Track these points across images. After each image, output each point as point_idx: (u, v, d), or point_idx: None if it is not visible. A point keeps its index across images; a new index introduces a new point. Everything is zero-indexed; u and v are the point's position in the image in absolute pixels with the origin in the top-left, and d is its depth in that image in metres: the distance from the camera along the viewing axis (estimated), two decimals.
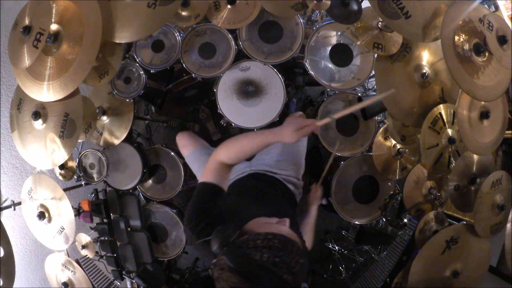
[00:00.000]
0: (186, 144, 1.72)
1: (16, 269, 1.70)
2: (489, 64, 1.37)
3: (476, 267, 1.70)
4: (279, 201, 1.30)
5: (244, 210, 1.01)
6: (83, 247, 1.89)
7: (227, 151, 1.09)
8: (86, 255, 1.93)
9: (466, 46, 1.35)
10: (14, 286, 1.69)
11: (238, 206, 1.07)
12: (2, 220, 1.69)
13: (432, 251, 1.59)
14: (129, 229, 1.90)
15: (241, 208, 1.04)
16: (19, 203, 1.77)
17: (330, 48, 1.75)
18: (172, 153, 1.93)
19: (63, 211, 1.68)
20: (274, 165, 1.49)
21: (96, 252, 1.96)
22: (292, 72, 2.01)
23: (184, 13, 1.67)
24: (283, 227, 0.85)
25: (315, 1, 1.53)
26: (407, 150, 1.73)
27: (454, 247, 1.60)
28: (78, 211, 1.85)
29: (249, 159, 1.62)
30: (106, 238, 1.92)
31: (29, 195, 1.74)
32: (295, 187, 1.48)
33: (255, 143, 1.08)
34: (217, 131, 2.32)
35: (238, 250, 0.75)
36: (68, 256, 1.89)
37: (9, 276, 1.67)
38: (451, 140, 1.55)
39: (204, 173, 1.09)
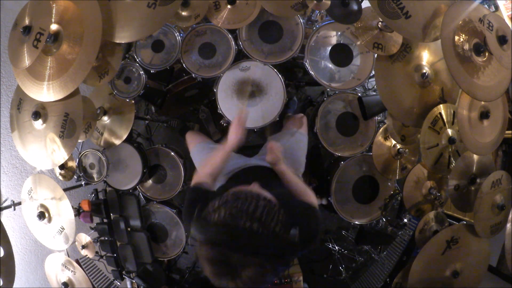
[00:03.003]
0: (192, 141, 1.80)
1: (16, 269, 1.70)
2: (489, 64, 1.37)
3: (476, 267, 1.70)
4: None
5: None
6: (83, 247, 1.89)
7: (202, 170, 1.25)
8: (86, 255, 1.93)
9: (466, 46, 1.35)
10: (14, 286, 1.69)
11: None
12: (2, 220, 1.69)
13: (432, 251, 1.59)
14: (129, 229, 1.90)
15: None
16: (19, 203, 1.77)
17: (330, 48, 1.74)
18: (172, 153, 1.93)
19: (63, 211, 1.68)
20: None
21: (96, 252, 1.95)
22: (292, 72, 2.01)
23: (184, 13, 1.67)
24: (245, 186, 0.82)
25: (315, 1, 1.53)
26: (407, 150, 1.73)
27: (454, 247, 1.60)
28: (78, 211, 1.85)
29: (249, 155, 1.62)
30: (106, 238, 1.92)
31: (29, 195, 1.74)
32: None
33: (220, 156, 1.26)
34: (217, 131, 2.32)
35: (201, 221, 0.73)
36: (68, 256, 1.89)
37: (9, 276, 1.67)
38: (451, 140, 1.55)
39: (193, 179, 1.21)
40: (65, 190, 1.74)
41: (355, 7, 1.56)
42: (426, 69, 1.53)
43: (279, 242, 0.71)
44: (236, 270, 0.69)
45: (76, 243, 1.87)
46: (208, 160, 1.30)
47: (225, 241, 0.68)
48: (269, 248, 0.70)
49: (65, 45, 1.42)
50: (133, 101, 1.79)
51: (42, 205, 1.71)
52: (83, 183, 1.88)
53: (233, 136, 1.26)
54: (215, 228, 0.70)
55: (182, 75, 1.89)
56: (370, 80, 1.86)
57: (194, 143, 1.77)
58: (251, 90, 1.76)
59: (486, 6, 1.89)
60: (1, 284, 1.64)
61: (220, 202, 0.73)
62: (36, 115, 1.52)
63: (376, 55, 1.60)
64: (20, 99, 1.62)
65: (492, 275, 1.88)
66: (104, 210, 1.87)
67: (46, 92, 1.46)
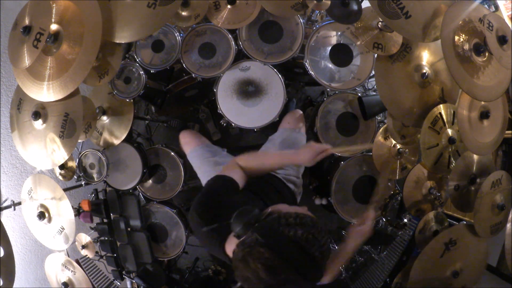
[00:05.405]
0: (189, 142, 1.76)
1: (16, 269, 1.70)
2: (489, 64, 1.37)
3: (475, 266, 1.70)
4: (280, 198, 1.30)
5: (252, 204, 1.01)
6: (83, 247, 1.89)
7: (247, 160, 1.17)
8: (86, 255, 1.93)
9: (466, 46, 1.34)
10: (14, 286, 1.69)
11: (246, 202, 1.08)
12: (2, 220, 1.69)
13: (431, 255, 1.59)
14: (129, 229, 1.90)
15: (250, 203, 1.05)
16: (19, 203, 1.77)
17: (330, 48, 1.75)
18: (172, 153, 1.93)
19: (63, 211, 1.67)
20: None
21: (96, 252, 1.95)
22: (292, 72, 2.01)
23: (184, 13, 1.67)
24: (307, 210, 0.88)
25: (315, 1, 1.53)
26: (407, 150, 1.73)
27: (453, 248, 1.60)
28: (78, 211, 1.85)
29: None
30: (106, 238, 1.91)
31: (29, 195, 1.74)
32: (295, 186, 1.49)
33: (274, 162, 1.22)
34: (217, 131, 2.32)
35: (271, 227, 0.75)
36: (68, 256, 1.89)
37: (9, 276, 1.67)
38: (451, 140, 1.55)
39: (223, 169, 1.13)
40: (65, 190, 1.74)
41: (355, 7, 1.56)
42: (426, 69, 1.52)
43: (320, 276, 0.79)
44: (278, 286, 0.73)
45: (76, 243, 1.87)
46: (260, 156, 1.26)
47: (291, 256, 0.73)
48: (317, 278, 0.77)
49: (65, 45, 1.42)
50: (132, 101, 1.78)
51: (42, 205, 1.71)
52: (83, 183, 1.88)
53: (304, 156, 1.16)
54: (287, 242, 0.74)
55: (182, 75, 1.89)
56: (370, 80, 1.86)
57: (191, 145, 1.73)
58: (251, 90, 1.76)
59: (486, 6, 1.88)
60: (1, 284, 1.64)
61: (297, 221, 0.77)
62: (36, 115, 1.52)
63: (376, 55, 1.60)
64: (20, 99, 1.61)
65: (492, 275, 1.88)
66: (104, 210, 1.87)
67: (46, 92, 1.46)
